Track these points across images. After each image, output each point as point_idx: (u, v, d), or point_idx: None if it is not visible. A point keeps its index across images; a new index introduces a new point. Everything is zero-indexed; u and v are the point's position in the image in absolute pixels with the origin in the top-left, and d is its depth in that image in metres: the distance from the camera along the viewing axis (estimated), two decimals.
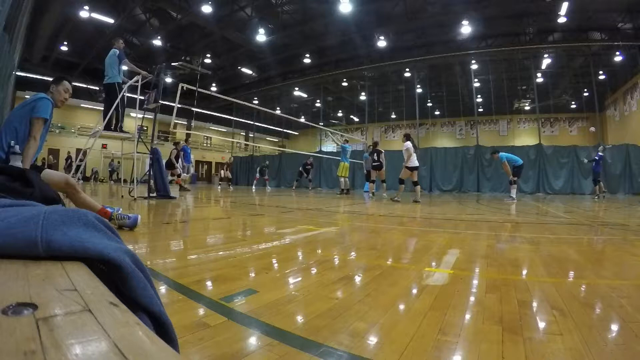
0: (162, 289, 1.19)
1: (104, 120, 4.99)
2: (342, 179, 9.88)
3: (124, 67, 5.28)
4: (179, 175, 9.51)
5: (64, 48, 16.12)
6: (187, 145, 10.53)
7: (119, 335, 0.25)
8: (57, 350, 0.22)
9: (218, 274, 1.40)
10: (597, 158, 9.37)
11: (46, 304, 0.28)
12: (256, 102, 21.82)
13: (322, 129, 19.78)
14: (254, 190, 12.48)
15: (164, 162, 6.34)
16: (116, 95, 4.93)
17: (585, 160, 10.27)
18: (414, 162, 6.92)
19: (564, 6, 11.57)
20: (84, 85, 19.28)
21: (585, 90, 18.38)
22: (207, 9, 13.13)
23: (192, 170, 11.03)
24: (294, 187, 14.84)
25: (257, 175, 15.12)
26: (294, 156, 16.02)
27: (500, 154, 7.67)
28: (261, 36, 14.86)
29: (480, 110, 20.55)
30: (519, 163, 7.64)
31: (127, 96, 5.33)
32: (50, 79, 2.64)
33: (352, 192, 10.32)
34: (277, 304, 1.06)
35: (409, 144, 6.95)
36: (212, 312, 0.98)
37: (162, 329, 0.39)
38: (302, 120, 23.67)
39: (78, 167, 5.22)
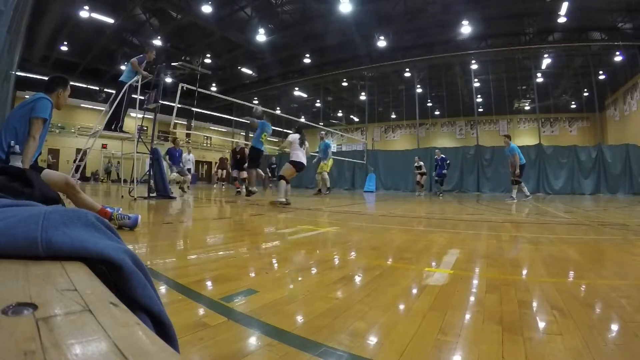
0: (162, 289, 1.19)
1: (109, 116, 5.14)
2: (320, 175, 8.96)
3: (125, 67, 5.36)
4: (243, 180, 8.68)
5: (64, 48, 16.13)
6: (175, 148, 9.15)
7: (119, 335, 0.25)
8: (57, 350, 0.22)
9: (218, 274, 1.40)
10: (437, 164, 10.26)
11: (46, 304, 0.28)
12: (256, 102, 21.81)
13: (322, 128, 19.76)
14: (214, 188, 11.74)
15: (164, 163, 6.33)
16: (124, 94, 5.07)
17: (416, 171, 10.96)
18: (298, 157, 5.44)
19: (564, 6, 11.57)
20: (84, 85, 19.28)
21: (585, 90, 18.38)
22: (207, 9, 13.15)
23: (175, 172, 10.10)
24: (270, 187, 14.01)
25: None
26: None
27: (513, 144, 7.59)
28: (261, 36, 14.86)
29: (480, 110, 20.55)
30: (522, 162, 7.64)
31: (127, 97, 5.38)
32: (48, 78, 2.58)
33: (331, 192, 9.30)
34: (277, 304, 1.06)
35: (293, 136, 5.48)
36: (212, 312, 0.98)
37: (162, 329, 0.39)
38: (302, 120, 23.67)
39: (78, 167, 5.23)
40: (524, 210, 5.40)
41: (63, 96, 2.53)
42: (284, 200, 5.06)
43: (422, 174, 11.19)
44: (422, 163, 11.18)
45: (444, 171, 10.29)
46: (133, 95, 5.40)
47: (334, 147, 9.54)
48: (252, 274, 1.44)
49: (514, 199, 7.48)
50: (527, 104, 20.93)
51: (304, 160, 5.45)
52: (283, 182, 5.28)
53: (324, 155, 9.06)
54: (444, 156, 10.30)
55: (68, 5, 12.50)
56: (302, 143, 5.46)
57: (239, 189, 8.81)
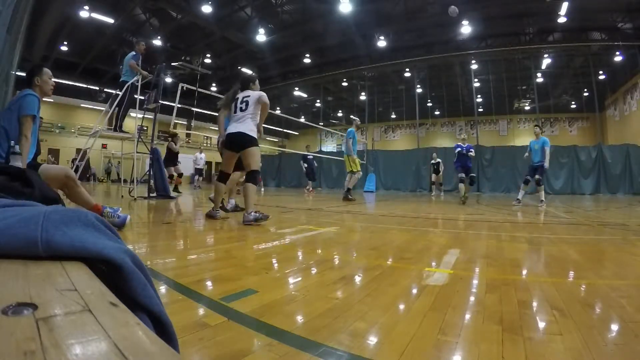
0: (162, 289, 1.19)
1: (111, 115, 5.28)
2: (351, 175, 6.98)
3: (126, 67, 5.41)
4: (180, 175, 7.85)
5: (64, 48, 16.11)
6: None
7: (119, 335, 0.25)
8: (57, 350, 0.22)
9: (218, 274, 1.40)
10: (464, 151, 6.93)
11: (46, 304, 0.28)
12: None
13: (322, 129, 19.80)
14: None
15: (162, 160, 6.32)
16: (126, 93, 5.14)
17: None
18: (229, 129, 3.16)
19: (564, 6, 11.57)
20: (84, 85, 19.25)
21: (585, 90, 18.38)
22: (207, 9, 13.14)
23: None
24: (309, 189, 11.54)
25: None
26: (294, 156, 15.99)
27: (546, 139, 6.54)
28: (261, 36, 14.86)
29: (480, 110, 20.54)
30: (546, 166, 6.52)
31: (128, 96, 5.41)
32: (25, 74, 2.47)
33: (331, 192, 7.88)
34: (277, 304, 1.06)
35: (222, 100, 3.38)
36: (212, 312, 0.98)
37: (162, 329, 0.39)
38: (302, 120, 23.68)
39: (78, 167, 5.24)
40: (523, 210, 5.39)
41: (42, 81, 2.46)
42: (219, 212, 3.20)
43: (437, 173, 10.90)
44: (440, 160, 10.87)
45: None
46: (134, 96, 5.42)
47: (343, 145, 7.35)
48: (252, 274, 1.44)
49: (543, 202, 6.16)
50: (527, 104, 20.93)
51: (237, 129, 3.10)
52: (219, 184, 3.36)
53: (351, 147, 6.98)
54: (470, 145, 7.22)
55: (68, 5, 12.49)
56: (235, 105, 3.16)
57: (176, 187, 7.36)
